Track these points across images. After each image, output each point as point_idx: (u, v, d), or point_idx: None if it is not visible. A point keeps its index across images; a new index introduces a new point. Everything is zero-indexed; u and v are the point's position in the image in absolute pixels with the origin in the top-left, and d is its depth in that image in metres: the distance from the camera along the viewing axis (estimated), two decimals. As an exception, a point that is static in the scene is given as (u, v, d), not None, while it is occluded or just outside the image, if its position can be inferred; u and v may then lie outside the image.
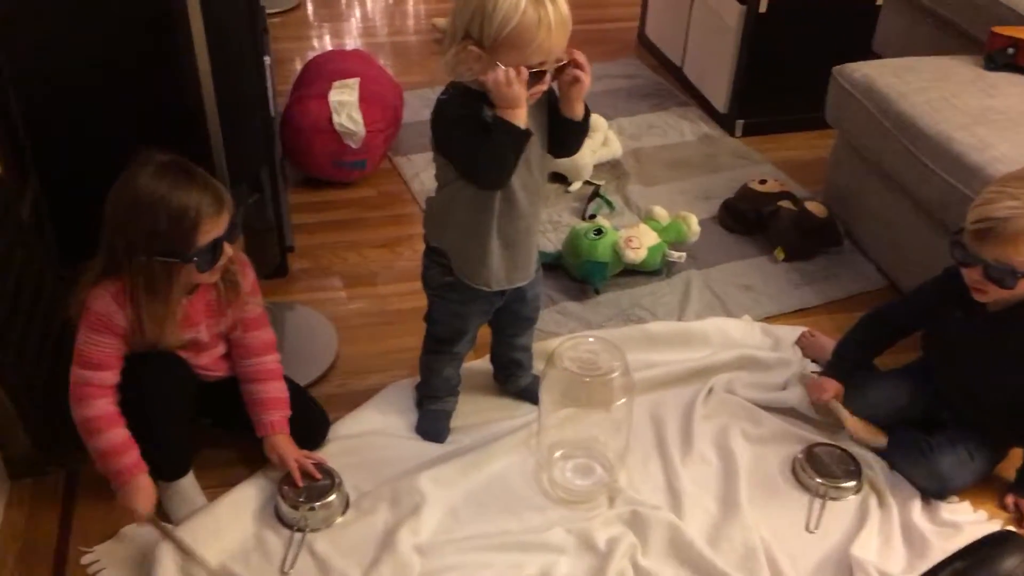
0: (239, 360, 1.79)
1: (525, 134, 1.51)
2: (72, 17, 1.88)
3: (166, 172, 1.53)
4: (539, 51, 1.46)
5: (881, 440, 1.88)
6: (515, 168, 1.55)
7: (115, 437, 1.62)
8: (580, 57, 1.53)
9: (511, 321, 1.87)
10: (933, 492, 1.81)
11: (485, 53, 1.47)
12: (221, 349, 1.78)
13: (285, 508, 1.70)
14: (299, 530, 1.68)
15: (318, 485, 1.72)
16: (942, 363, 1.87)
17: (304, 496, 1.70)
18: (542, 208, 1.72)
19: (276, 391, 1.78)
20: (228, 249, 1.61)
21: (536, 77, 1.49)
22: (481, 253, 1.66)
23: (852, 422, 1.90)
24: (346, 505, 1.74)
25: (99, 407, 1.62)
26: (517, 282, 1.75)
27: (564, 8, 1.46)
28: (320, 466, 1.75)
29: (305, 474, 1.73)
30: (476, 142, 1.52)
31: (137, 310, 1.58)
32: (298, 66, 3.45)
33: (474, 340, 1.86)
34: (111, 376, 1.62)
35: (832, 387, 1.92)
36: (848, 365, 1.96)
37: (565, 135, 1.65)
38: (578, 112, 1.61)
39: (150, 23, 1.86)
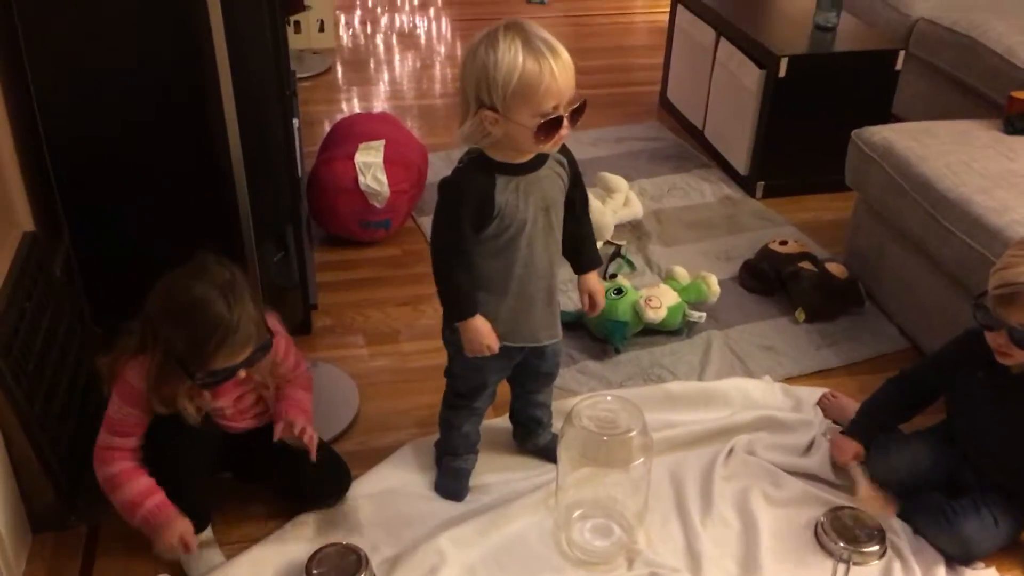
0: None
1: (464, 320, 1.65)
2: (106, 79, 1.94)
3: (212, 288, 1.56)
4: (548, 96, 1.49)
5: (890, 514, 1.85)
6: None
7: (139, 485, 1.65)
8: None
9: (531, 377, 1.88)
10: (957, 557, 1.78)
11: (500, 116, 1.51)
12: (245, 404, 1.80)
13: None
14: None
15: (345, 563, 1.69)
16: (965, 425, 1.86)
17: None
18: (561, 268, 1.74)
19: (300, 395, 1.81)
20: (241, 374, 1.64)
21: (554, 125, 1.52)
22: (502, 309, 1.68)
23: (865, 490, 1.87)
24: None
25: (121, 464, 1.67)
26: (543, 340, 1.77)
27: (562, 52, 1.50)
28: (347, 544, 1.73)
29: (330, 553, 1.70)
30: (454, 255, 1.63)
31: (151, 387, 1.62)
32: (327, 128, 3.53)
33: (494, 396, 1.87)
34: (135, 441, 1.68)
35: (852, 449, 1.91)
36: (872, 426, 1.94)
37: (572, 263, 1.81)
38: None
39: (182, 86, 1.91)
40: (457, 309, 1.66)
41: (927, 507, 1.83)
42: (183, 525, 1.66)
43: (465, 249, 1.62)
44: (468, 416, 1.88)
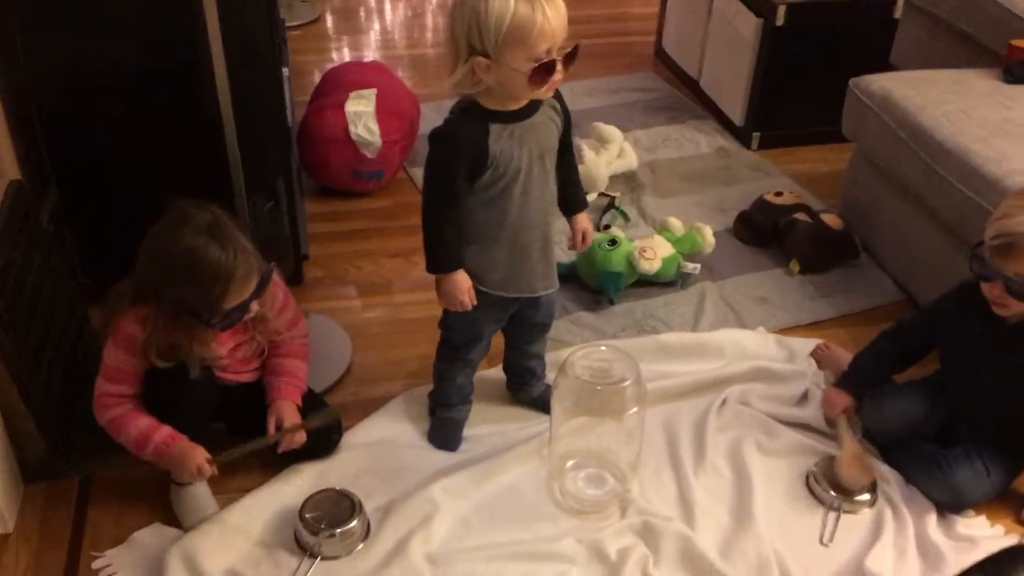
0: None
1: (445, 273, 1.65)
2: (92, 27, 1.90)
3: (199, 235, 1.54)
4: (542, 39, 1.46)
5: (866, 481, 1.82)
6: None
7: (141, 423, 1.66)
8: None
9: (525, 328, 1.87)
10: (949, 506, 1.79)
11: (493, 62, 1.48)
12: (244, 355, 1.80)
13: (303, 533, 1.67)
14: (313, 556, 1.66)
15: (339, 508, 1.69)
16: (959, 376, 1.86)
17: (324, 522, 1.67)
18: (556, 218, 1.73)
19: (296, 367, 1.82)
20: (254, 307, 1.64)
21: (548, 69, 1.49)
22: (497, 260, 1.67)
23: (847, 451, 1.85)
24: (367, 532, 1.71)
25: (120, 408, 1.67)
26: (540, 290, 1.76)
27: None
28: (341, 490, 1.73)
29: (323, 498, 1.71)
30: (444, 207, 1.61)
31: (156, 340, 1.61)
32: (317, 78, 3.48)
33: (488, 347, 1.86)
34: (131, 388, 1.67)
35: (842, 402, 1.91)
36: (864, 379, 1.95)
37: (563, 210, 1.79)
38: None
39: (170, 34, 1.87)
40: (440, 262, 1.64)
41: (920, 456, 1.84)
42: (197, 452, 1.66)
43: (456, 201, 1.60)
44: (462, 367, 1.87)
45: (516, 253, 1.68)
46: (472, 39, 1.48)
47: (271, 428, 1.74)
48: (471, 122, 1.57)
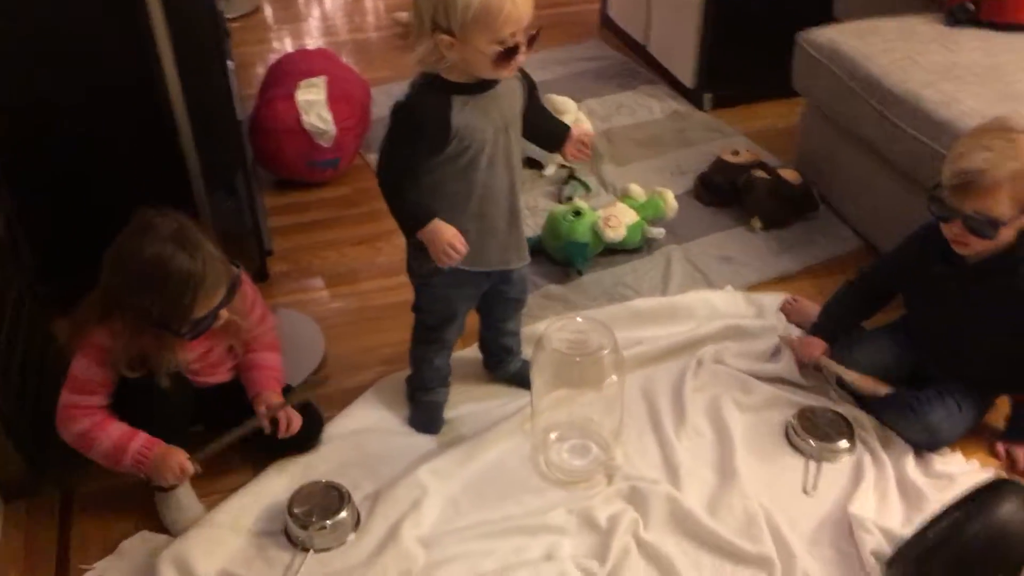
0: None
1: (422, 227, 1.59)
2: (38, 33, 1.85)
3: (166, 244, 1.51)
4: (508, 23, 1.46)
5: (882, 390, 1.88)
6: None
7: (114, 433, 1.63)
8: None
9: (500, 305, 1.87)
10: (925, 445, 1.83)
11: (457, 40, 1.47)
12: (216, 357, 1.78)
13: (294, 528, 1.66)
14: (305, 549, 1.66)
15: (327, 500, 1.69)
16: (925, 317, 1.90)
17: (315, 515, 1.66)
18: (524, 192, 1.72)
19: (271, 359, 1.81)
20: (223, 314, 1.62)
21: (512, 52, 1.49)
22: (467, 234, 1.65)
23: (851, 375, 1.90)
24: (357, 521, 1.70)
25: (89, 419, 1.63)
26: (513, 263, 1.76)
27: None
28: (328, 482, 1.72)
29: (311, 491, 1.70)
30: (403, 178, 1.58)
31: (122, 350, 1.58)
32: (260, 70, 3.43)
33: (463, 327, 1.86)
34: (101, 399, 1.64)
35: (819, 345, 1.95)
36: (833, 326, 1.98)
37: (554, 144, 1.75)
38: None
39: (118, 38, 1.83)
40: (413, 220, 1.60)
41: (893, 400, 1.88)
42: (178, 453, 1.64)
43: (415, 175, 1.58)
44: (438, 349, 1.87)
45: (485, 225, 1.67)
46: (438, 17, 1.46)
47: (263, 420, 1.73)
48: (433, 95, 1.55)
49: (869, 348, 1.94)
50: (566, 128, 1.75)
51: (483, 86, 1.56)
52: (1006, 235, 1.67)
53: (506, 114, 1.61)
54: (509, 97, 1.61)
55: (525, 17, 1.48)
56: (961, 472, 1.79)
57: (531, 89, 1.67)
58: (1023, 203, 1.63)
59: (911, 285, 1.91)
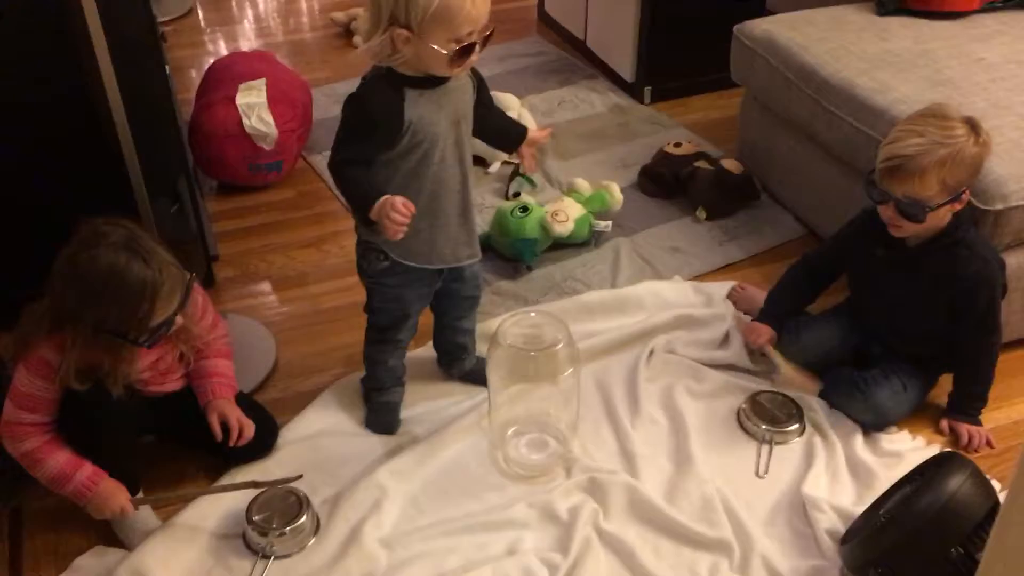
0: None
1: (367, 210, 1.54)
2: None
3: (120, 254, 1.48)
4: (466, 22, 1.46)
5: (811, 388, 1.94)
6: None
7: (60, 459, 1.60)
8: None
9: (454, 303, 1.87)
10: (872, 424, 1.88)
11: (414, 35, 1.47)
12: (166, 366, 1.75)
13: (253, 535, 1.65)
14: (266, 556, 1.64)
15: (286, 506, 1.67)
16: (868, 300, 1.94)
17: (274, 522, 1.65)
18: (475, 186, 1.73)
19: (222, 366, 1.79)
20: (179, 320, 1.59)
21: (467, 51, 1.50)
22: (419, 231, 1.65)
23: (787, 370, 1.96)
24: (317, 526, 1.69)
25: (35, 440, 1.60)
26: (463, 259, 1.75)
27: None
28: (287, 490, 1.70)
29: (269, 498, 1.68)
30: (356, 167, 1.56)
31: (72, 363, 1.55)
32: (194, 74, 3.38)
33: (416, 327, 1.86)
34: (46, 416, 1.60)
35: (766, 332, 1.98)
36: (779, 312, 2.02)
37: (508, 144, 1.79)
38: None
39: (52, 45, 1.78)
40: (363, 199, 1.55)
41: (840, 381, 1.92)
42: (120, 493, 1.62)
43: (368, 162, 1.56)
44: (392, 350, 1.86)
45: (437, 221, 1.67)
46: (397, 11, 1.46)
47: (214, 426, 1.71)
48: (386, 88, 1.54)
49: (816, 331, 1.99)
50: (523, 129, 1.77)
51: (436, 80, 1.56)
52: (936, 218, 1.72)
53: (459, 108, 1.61)
54: (461, 92, 1.61)
55: (482, 17, 1.48)
56: (908, 449, 1.84)
57: (480, 84, 1.67)
58: (953, 188, 1.69)
59: (853, 268, 1.96)
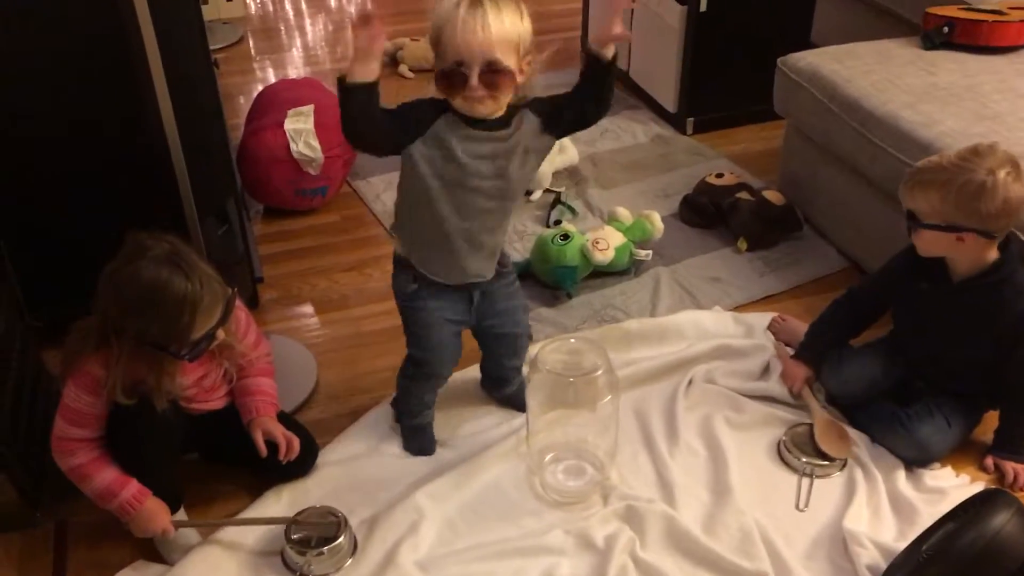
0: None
1: (348, 87, 1.47)
2: (28, 59, 1.85)
3: (162, 267, 1.51)
4: (451, 45, 1.47)
5: (844, 449, 1.87)
6: (357, 122, 1.52)
7: (107, 476, 1.62)
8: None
9: (495, 341, 1.87)
10: (915, 460, 1.85)
11: (436, 56, 1.52)
12: (211, 383, 1.77)
13: (291, 554, 1.66)
14: (303, 575, 1.65)
15: (325, 526, 1.68)
16: (912, 334, 1.92)
17: (313, 541, 1.66)
18: (497, 220, 1.70)
19: (265, 385, 1.81)
20: (220, 334, 1.61)
21: (454, 77, 1.49)
22: (431, 244, 1.67)
23: (820, 422, 1.91)
24: (354, 547, 1.70)
25: (83, 455, 1.63)
26: (471, 277, 1.72)
27: (493, 14, 1.47)
28: (325, 507, 1.72)
29: (310, 519, 1.70)
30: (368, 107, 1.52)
31: (118, 377, 1.57)
32: (242, 101, 3.46)
33: (452, 365, 1.85)
34: (94, 431, 1.63)
35: (801, 375, 1.98)
36: (820, 346, 2.00)
37: (586, 91, 1.59)
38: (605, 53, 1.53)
39: (108, 65, 1.84)
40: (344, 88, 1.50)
41: (882, 416, 1.90)
42: (163, 514, 1.65)
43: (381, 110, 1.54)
44: (425, 384, 1.86)
45: (446, 246, 1.67)
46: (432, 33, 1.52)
47: (260, 444, 1.73)
48: (429, 103, 1.58)
49: (858, 363, 1.97)
50: (591, 66, 1.57)
51: (488, 124, 1.56)
52: (933, 244, 1.74)
53: (503, 165, 1.60)
54: (509, 152, 1.59)
55: (475, 48, 1.46)
56: (952, 486, 1.81)
57: (544, 115, 1.62)
58: (948, 215, 1.68)
59: (898, 302, 1.94)
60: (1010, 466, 1.84)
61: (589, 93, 1.59)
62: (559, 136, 1.67)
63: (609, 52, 1.53)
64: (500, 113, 1.57)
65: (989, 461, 1.86)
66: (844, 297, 2.01)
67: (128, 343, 1.55)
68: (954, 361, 1.86)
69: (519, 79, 1.53)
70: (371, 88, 1.47)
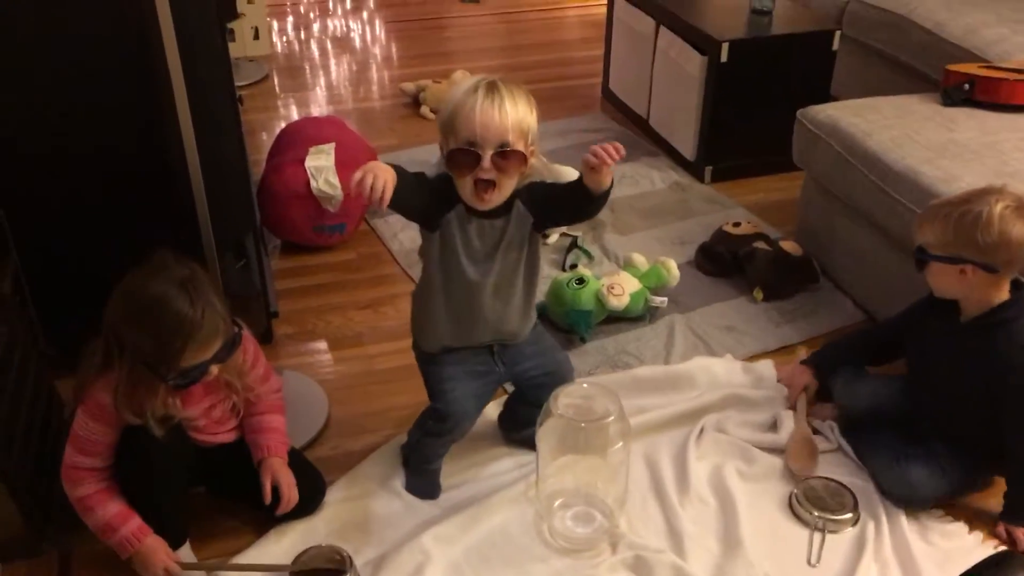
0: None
1: None
2: (51, 91, 1.89)
3: (171, 287, 1.52)
4: (464, 127, 1.54)
5: (808, 472, 1.91)
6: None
7: (111, 510, 1.62)
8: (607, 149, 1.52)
9: (529, 388, 1.88)
10: (898, 499, 1.85)
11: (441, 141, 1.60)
12: (220, 415, 1.77)
13: None
14: None
15: (331, 566, 1.67)
16: (920, 373, 1.94)
17: None
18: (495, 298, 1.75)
19: (277, 422, 1.81)
20: (213, 370, 1.61)
21: (464, 156, 1.55)
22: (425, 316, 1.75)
23: (796, 435, 1.96)
24: None
25: (91, 486, 1.63)
26: (490, 339, 1.79)
27: (508, 102, 1.54)
28: (331, 546, 1.71)
29: (314, 555, 1.69)
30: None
31: (123, 396, 1.58)
32: (265, 137, 3.50)
33: (469, 426, 1.86)
34: (102, 460, 1.64)
35: (802, 379, 2.05)
36: (831, 358, 2.06)
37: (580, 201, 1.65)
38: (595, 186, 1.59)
39: (133, 97, 1.87)
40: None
41: (882, 450, 1.91)
42: (162, 552, 1.64)
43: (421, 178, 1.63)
44: (439, 441, 1.85)
45: (460, 311, 1.74)
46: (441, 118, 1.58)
47: (266, 487, 1.72)
48: (449, 184, 1.63)
49: (871, 385, 2.01)
50: (578, 180, 1.64)
51: (486, 214, 1.64)
52: (940, 280, 1.77)
53: (503, 270, 1.69)
54: (510, 254, 1.69)
55: (490, 131, 1.53)
56: (963, 546, 1.78)
57: (536, 212, 1.69)
58: (951, 247, 1.71)
59: (911, 339, 1.96)
60: (1021, 533, 1.80)
61: (585, 209, 1.69)
62: (541, 231, 1.73)
63: (607, 182, 1.59)
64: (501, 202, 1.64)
65: (1000, 528, 1.83)
66: (867, 326, 2.03)
67: (127, 361, 1.56)
68: (951, 401, 1.85)
69: (527, 165, 1.60)
70: None
